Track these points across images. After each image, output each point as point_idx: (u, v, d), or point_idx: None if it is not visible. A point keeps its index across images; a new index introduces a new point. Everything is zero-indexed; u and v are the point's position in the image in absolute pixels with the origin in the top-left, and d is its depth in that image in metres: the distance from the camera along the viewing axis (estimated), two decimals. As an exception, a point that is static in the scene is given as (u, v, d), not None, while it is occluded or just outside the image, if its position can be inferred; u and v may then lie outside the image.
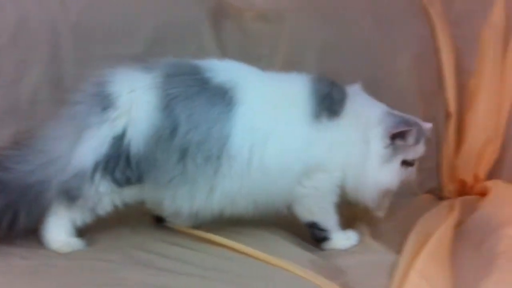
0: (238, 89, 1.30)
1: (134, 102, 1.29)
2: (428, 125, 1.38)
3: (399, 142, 1.34)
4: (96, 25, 1.61)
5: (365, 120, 1.35)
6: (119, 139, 1.27)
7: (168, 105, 1.27)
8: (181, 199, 1.30)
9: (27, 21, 1.57)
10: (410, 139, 1.34)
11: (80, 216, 1.31)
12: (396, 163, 1.34)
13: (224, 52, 1.68)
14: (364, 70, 1.69)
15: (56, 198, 1.29)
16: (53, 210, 1.30)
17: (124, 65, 1.34)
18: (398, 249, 1.28)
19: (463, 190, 1.76)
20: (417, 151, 1.36)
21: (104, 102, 1.29)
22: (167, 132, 1.27)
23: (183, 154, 1.27)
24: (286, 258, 1.21)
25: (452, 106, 1.77)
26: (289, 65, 1.69)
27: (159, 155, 1.27)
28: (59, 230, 1.30)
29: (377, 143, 1.34)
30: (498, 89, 1.75)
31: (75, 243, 1.30)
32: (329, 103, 1.33)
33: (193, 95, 1.28)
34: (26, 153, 1.30)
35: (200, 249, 1.28)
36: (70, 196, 1.29)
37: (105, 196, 1.29)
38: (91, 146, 1.27)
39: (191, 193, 1.29)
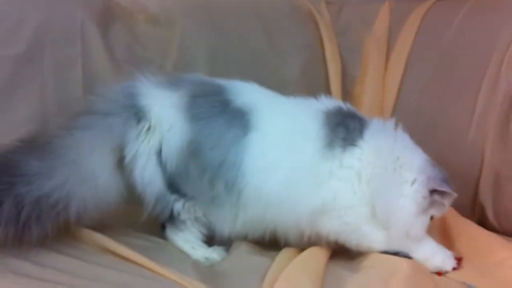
0: (255, 114, 1.30)
1: (164, 117, 1.30)
2: (455, 195, 1.31)
3: (436, 197, 1.29)
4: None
5: (396, 159, 1.30)
6: (159, 155, 1.28)
7: (193, 125, 1.29)
8: (215, 220, 1.33)
9: None
10: (447, 202, 1.30)
11: (196, 229, 1.33)
12: (427, 216, 1.30)
13: (111, 55, 1.65)
14: (254, 78, 1.69)
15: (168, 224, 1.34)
16: (173, 237, 1.34)
17: (148, 77, 1.36)
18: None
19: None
20: (442, 211, 1.33)
21: (138, 115, 1.30)
22: (194, 151, 1.27)
23: (209, 175, 1.27)
24: (169, 264, 1.20)
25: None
26: (179, 70, 1.68)
27: (190, 173, 1.29)
28: (193, 249, 1.33)
29: (416, 191, 1.28)
30: (380, 97, 1.81)
31: (216, 251, 1.33)
32: (343, 132, 1.30)
33: (215, 116, 1.30)
34: (52, 165, 1.24)
35: (83, 258, 1.22)
36: (169, 220, 1.33)
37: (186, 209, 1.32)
38: (145, 166, 1.29)
39: (220, 215, 1.31)
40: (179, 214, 1.33)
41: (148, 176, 1.30)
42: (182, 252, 1.34)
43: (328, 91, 1.81)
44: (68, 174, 1.24)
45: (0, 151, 1.27)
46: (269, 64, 1.78)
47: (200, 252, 1.34)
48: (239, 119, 1.30)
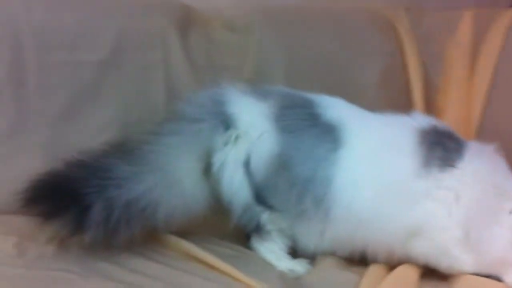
0: (345, 129, 1.28)
1: (253, 127, 1.29)
2: None
3: None
4: (60, 29, 1.55)
5: (495, 185, 1.26)
6: (247, 165, 1.27)
7: (283, 137, 1.27)
8: (300, 234, 1.30)
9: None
10: None
11: (281, 240, 1.31)
12: None
13: (191, 61, 1.65)
14: (332, 84, 1.68)
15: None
16: (258, 246, 1.33)
17: (233, 85, 1.36)
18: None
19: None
20: None
21: (227, 122, 1.30)
22: (283, 164, 1.26)
23: (298, 189, 1.26)
24: (255, 275, 1.18)
25: (421, 121, 1.77)
26: (257, 77, 1.68)
27: (279, 185, 1.28)
28: (278, 260, 1.31)
29: None
30: (465, 106, 1.76)
31: (300, 263, 1.31)
32: (441, 151, 1.27)
33: (305, 129, 1.28)
34: (141, 169, 1.25)
35: (171, 265, 1.22)
36: (255, 230, 1.32)
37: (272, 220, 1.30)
38: (233, 175, 1.28)
39: (307, 229, 1.29)
40: (264, 225, 1.32)
41: (236, 186, 1.29)
42: (267, 263, 1.32)
43: (408, 100, 1.77)
44: (157, 179, 1.25)
45: (91, 154, 1.28)
46: (347, 72, 1.75)
47: (285, 263, 1.32)
48: (329, 133, 1.28)
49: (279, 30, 1.74)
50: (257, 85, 1.42)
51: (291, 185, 1.27)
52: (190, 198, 1.29)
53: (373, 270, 1.26)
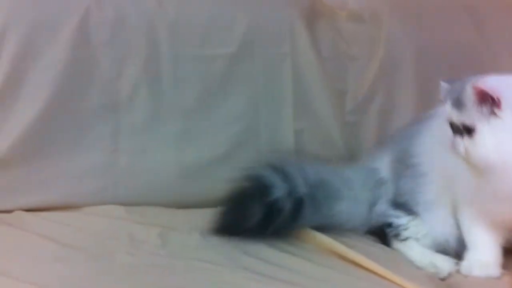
0: None
1: None
2: None
3: None
4: (192, 23, 1.60)
5: None
6: None
7: None
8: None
9: (124, 19, 1.56)
10: None
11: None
12: None
13: (318, 52, 1.65)
14: (464, 73, 1.61)
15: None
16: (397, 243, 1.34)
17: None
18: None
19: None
20: None
21: None
22: None
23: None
24: (398, 272, 1.16)
25: None
26: (386, 67, 1.66)
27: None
28: (420, 254, 1.29)
29: None
30: None
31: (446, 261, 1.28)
32: None
33: None
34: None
35: (311, 259, 1.24)
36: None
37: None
38: None
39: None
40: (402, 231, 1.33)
41: None
42: (410, 260, 1.29)
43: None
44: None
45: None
46: (480, 60, 1.68)
47: (428, 258, 1.27)
48: None
49: (407, 20, 1.71)
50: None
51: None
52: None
53: None
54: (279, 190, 1.35)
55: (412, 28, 1.70)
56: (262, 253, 1.25)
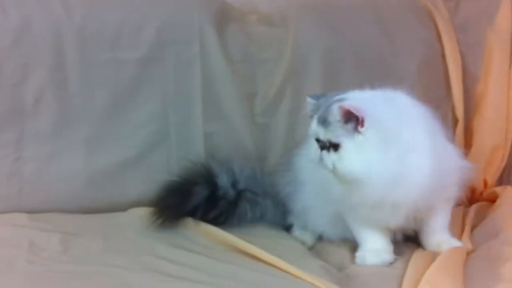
0: None
1: None
2: None
3: None
4: (100, 28, 1.59)
5: None
6: None
7: None
8: None
9: (30, 24, 1.54)
10: None
11: None
12: None
13: (228, 55, 1.66)
14: (369, 75, 1.65)
15: None
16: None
17: None
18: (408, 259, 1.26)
19: (472, 196, 1.71)
20: None
21: None
22: None
23: None
24: (297, 265, 1.18)
25: (459, 111, 1.74)
26: (294, 70, 1.69)
27: None
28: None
29: None
30: (505, 94, 1.73)
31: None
32: None
33: None
34: None
35: (214, 256, 1.25)
36: None
37: None
38: None
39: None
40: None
41: None
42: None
43: (447, 88, 1.76)
44: None
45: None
46: (385, 61, 1.73)
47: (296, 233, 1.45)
48: None
49: (316, 21, 1.74)
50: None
51: None
52: None
53: (418, 257, 1.26)
54: (223, 180, 1.48)
55: (321, 29, 1.73)
56: (168, 254, 1.25)
